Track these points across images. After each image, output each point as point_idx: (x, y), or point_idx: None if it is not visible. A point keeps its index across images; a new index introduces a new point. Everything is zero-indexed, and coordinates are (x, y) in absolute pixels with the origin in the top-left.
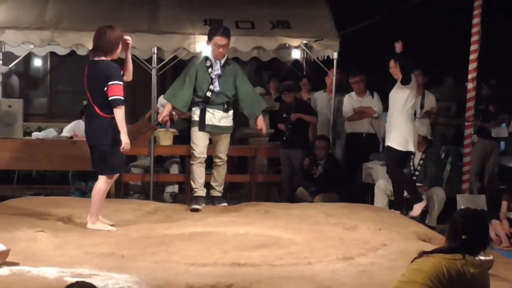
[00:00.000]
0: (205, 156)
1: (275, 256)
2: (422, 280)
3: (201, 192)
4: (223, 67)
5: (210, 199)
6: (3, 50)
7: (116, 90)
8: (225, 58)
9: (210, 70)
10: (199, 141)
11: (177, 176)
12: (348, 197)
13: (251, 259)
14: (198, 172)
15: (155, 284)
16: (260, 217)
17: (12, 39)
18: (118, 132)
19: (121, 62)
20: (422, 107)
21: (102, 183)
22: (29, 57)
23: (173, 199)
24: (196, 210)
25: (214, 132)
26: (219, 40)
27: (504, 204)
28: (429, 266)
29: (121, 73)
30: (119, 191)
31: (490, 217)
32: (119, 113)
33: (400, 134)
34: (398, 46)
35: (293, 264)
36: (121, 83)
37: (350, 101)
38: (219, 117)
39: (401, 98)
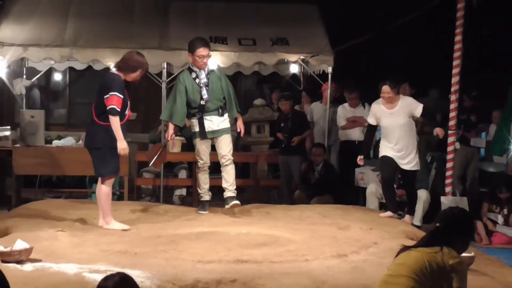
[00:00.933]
0: (208, 163)
1: (275, 253)
2: (407, 273)
3: (206, 197)
4: (208, 75)
5: (224, 201)
6: (26, 66)
7: (112, 100)
8: (207, 67)
9: (197, 80)
10: (202, 153)
11: (185, 180)
12: (342, 200)
13: (253, 256)
14: (203, 179)
15: (165, 279)
16: (261, 217)
17: (35, 56)
18: (114, 138)
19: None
20: None
21: (103, 186)
22: (50, 71)
23: (181, 201)
24: (203, 213)
25: (215, 136)
26: (202, 51)
27: (485, 205)
28: (412, 260)
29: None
30: (132, 194)
31: (472, 217)
32: (113, 122)
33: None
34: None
35: (291, 261)
36: (120, 95)
37: (344, 112)
38: (216, 122)
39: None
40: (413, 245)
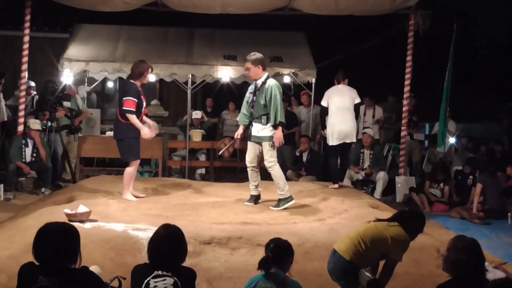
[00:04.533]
0: (254, 164)
1: (271, 217)
2: (353, 235)
3: (253, 192)
4: (259, 86)
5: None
6: (87, 76)
7: (128, 103)
8: (262, 78)
9: (250, 90)
10: (247, 153)
11: (204, 162)
12: (322, 178)
13: (255, 220)
14: (251, 177)
15: (188, 236)
16: (262, 191)
17: (94, 68)
18: (134, 132)
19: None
20: (373, 117)
21: (129, 168)
22: (104, 80)
23: (202, 178)
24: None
25: (256, 142)
26: (245, 64)
27: (427, 183)
28: (364, 227)
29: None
30: (165, 172)
31: (418, 191)
32: (131, 118)
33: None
34: None
35: (283, 223)
36: (134, 98)
37: None
38: (257, 129)
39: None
40: (382, 219)
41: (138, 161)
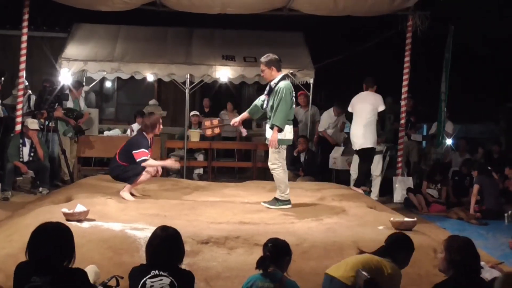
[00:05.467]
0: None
1: (268, 217)
2: (353, 263)
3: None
4: (271, 87)
5: None
6: (85, 75)
7: (139, 155)
8: (276, 79)
9: (266, 92)
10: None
11: (202, 162)
12: (320, 178)
13: (253, 219)
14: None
15: (186, 235)
16: (259, 191)
17: (92, 68)
18: (126, 172)
19: None
20: None
21: (145, 170)
22: (102, 80)
23: (199, 178)
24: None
25: (267, 142)
26: (260, 66)
27: (425, 183)
28: (362, 258)
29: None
30: (163, 172)
31: (416, 192)
32: (149, 163)
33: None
34: None
35: (281, 223)
36: (145, 150)
37: (327, 117)
38: (268, 130)
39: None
40: (369, 252)
41: (148, 166)
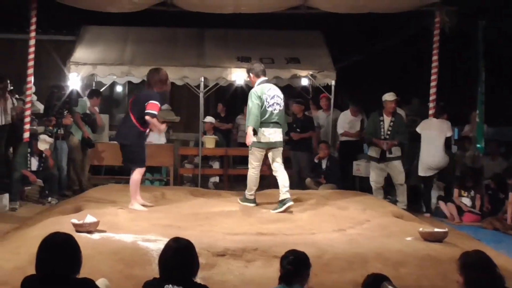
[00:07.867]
0: (273, 169)
1: (287, 228)
2: None
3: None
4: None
5: None
6: (95, 80)
7: (152, 106)
8: (255, 85)
9: None
10: None
11: (218, 170)
12: (342, 186)
13: (270, 230)
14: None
15: (201, 247)
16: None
17: (102, 72)
18: (143, 140)
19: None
20: None
21: (135, 176)
22: (113, 84)
23: (215, 186)
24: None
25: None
26: None
27: (456, 191)
28: None
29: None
30: (176, 181)
31: (447, 200)
32: (153, 121)
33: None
34: None
35: (300, 233)
36: (159, 103)
37: (344, 118)
38: None
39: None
40: None
41: (144, 169)
